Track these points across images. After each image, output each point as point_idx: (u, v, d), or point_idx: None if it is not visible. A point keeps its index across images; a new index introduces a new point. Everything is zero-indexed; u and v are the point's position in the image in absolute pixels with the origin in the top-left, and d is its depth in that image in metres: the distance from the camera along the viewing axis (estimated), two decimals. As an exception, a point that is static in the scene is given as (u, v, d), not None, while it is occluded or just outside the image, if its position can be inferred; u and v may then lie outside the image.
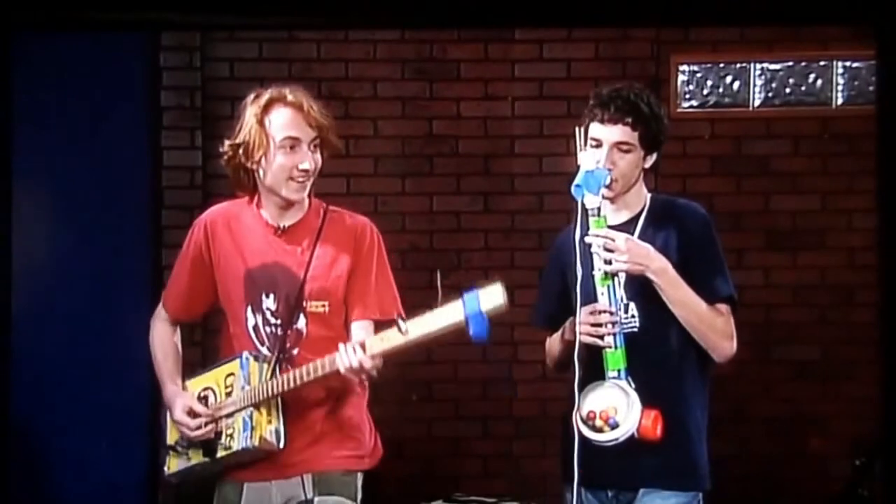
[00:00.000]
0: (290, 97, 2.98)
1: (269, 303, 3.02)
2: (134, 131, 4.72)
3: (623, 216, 3.10)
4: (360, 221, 3.08)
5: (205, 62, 4.81)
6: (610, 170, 3.00)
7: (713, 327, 3.04)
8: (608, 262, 2.97)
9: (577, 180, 2.97)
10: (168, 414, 3.11)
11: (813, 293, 4.90)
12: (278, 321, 3.01)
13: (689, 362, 3.07)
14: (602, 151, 3.02)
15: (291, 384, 2.93)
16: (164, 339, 3.15)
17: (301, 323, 3.00)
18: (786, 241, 4.92)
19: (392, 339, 2.84)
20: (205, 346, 4.13)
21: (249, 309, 3.03)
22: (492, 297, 2.78)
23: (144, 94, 4.74)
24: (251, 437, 2.94)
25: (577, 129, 3.07)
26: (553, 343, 3.20)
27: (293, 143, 2.96)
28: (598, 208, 2.97)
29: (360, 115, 4.85)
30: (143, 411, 4.33)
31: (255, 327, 3.03)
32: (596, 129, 3.04)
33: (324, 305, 3.00)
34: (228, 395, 3.01)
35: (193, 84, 4.79)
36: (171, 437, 3.09)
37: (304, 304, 3.00)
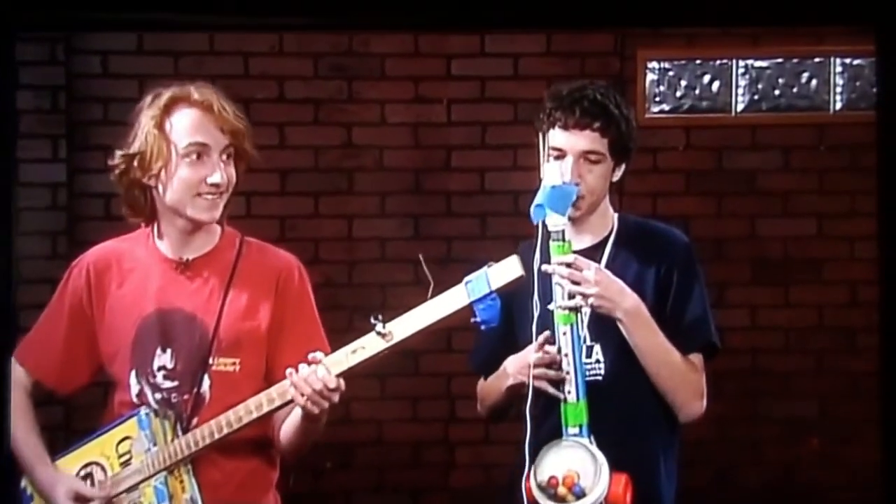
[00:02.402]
0: (196, 95, 2.91)
1: (164, 360, 2.95)
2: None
3: (586, 241, 3.10)
4: (285, 259, 3.02)
5: (71, 56, 4.77)
6: (577, 185, 3.01)
7: (685, 383, 3.05)
8: (572, 297, 2.98)
9: (539, 199, 2.95)
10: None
11: (809, 336, 4.95)
12: (175, 383, 2.94)
13: (660, 417, 3.08)
14: (566, 163, 3.01)
15: (217, 434, 2.87)
16: (24, 409, 3.02)
17: (204, 385, 2.94)
18: (776, 273, 4.97)
19: (370, 347, 2.78)
20: (69, 405, 4.06)
21: (133, 373, 2.96)
22: (505, 272, 2.74)
23: (-5, 94, 4.68)
24: None
25: (538, 136, 3.07)
26: (489, 387, 3.19)
27: (200, 151, 2.89)
28: (563, 231, 2.96)
29: (263, 121, 4.82)
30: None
31: (140, 394, 2.95)
32: (558, 137, 3.03)
33: (234, 363, 2.93)
34: (126, 464, 2.94)
35: (56, 82, 4.74)
36: None
37: (211, 360, 2.93)
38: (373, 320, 2.76)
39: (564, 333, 2.98)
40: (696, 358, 3.08)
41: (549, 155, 3.04)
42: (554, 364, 2.98)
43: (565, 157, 3.02)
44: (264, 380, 2.94)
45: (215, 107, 2.91)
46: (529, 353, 2.99)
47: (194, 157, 2.90)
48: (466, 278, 2.75)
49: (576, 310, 2.98)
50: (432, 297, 2.76)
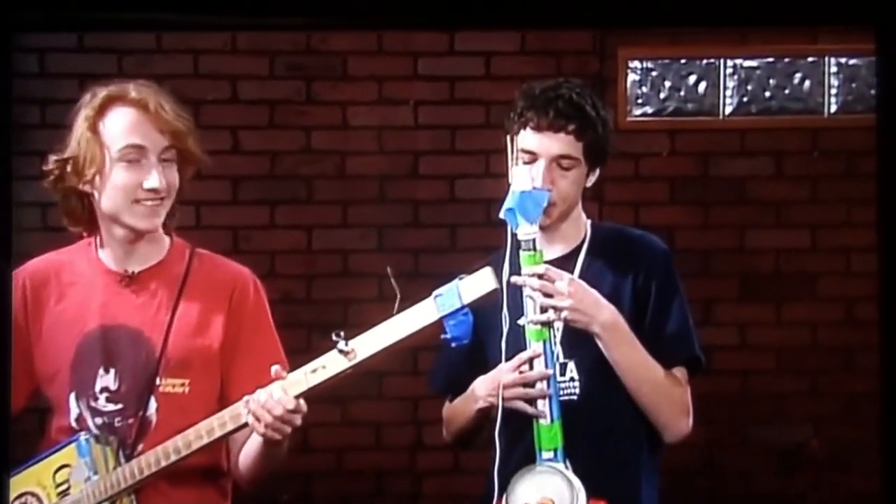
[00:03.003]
0: (133, 94, 2.91)
1: (106, 380, 2.94)
2: None
3: (556, 251, 3.10)
4: (240, 272, 3.03)
5: (6, 53, 4.75)
6: (549, 190, 3.01)
7: (670, 400, 3.06)
8: (544, 310, 2.98)
9: (508, 203, 2.95)
10: None
11: (802, 356, 4.96)
12: (118, 406, 2.93)
13: (641, 439, 3.09)
14: (538, 167, 3.02)
15: (164, 462, 2.86)
16: None
17: (151, 408, 2.93)
18: (767, 288, 4.98)
19: (331, 366, 2.77)
20: None
21: (73, 396, 2.95)
22: (477, 285, 2.74)
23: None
24: None
25: (506, 138, 3.08)
26: (456, 410, 3.18)
27: (136, 155, 2.89)
28: (534, 240, 2.96)
29: (215, 124, 4.81)
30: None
31: (80, 419, 2.95)
32: (529, 139, 3.03)
33: (183, 384, 2.94)
34: (64, 494, 2.93)
35: (-10, 81, 4.72)
36: None
37: (158, 381, 2.93)
38: (334, 337, 2.76)
39: (537, 351, 2.99)
40: (680, 372, 3.08)
41: (518, 158, 3.04)
42: (529, 384, 2.98)
43: (537, 161, 3.02)
44: (218, 402, 2.93)
45: (151, 105, 2.90)
46: (501, 373, 2.99)
47: (130, 160, 2.89)
48: (436, 292, 2.75)
49: (548, 324, 2.99)
50: (399, 311, 2.76)
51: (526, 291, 2.98)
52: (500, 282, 2.94)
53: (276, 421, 2.79)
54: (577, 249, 3.11)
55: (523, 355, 2.98)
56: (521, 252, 2.97)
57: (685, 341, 3.09)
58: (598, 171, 3.11)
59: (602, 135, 3.07)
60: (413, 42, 4.92)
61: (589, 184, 3.11)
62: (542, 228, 3.01)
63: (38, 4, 2.05)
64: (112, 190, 2.91)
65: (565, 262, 3.08)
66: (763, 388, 4.92)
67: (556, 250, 3.10)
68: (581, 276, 3.06)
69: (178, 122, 2.93)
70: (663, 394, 3.05)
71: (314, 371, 2.79)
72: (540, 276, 2.97)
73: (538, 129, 3.03)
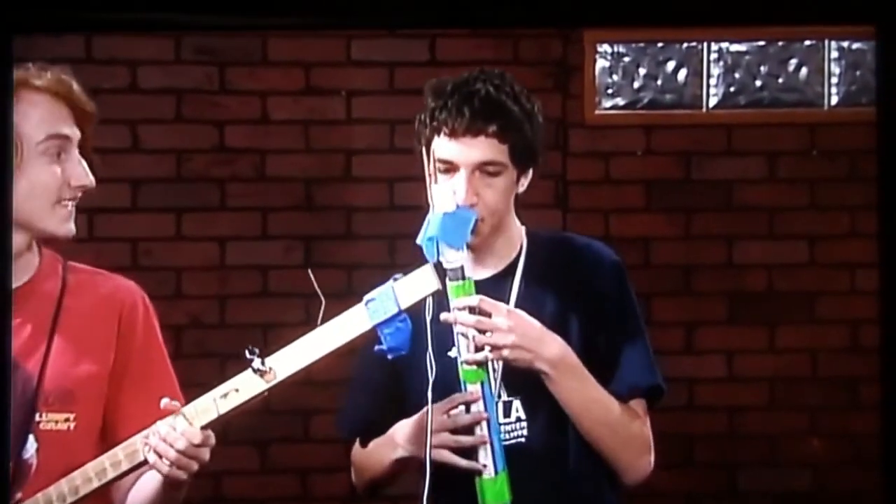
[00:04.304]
0: (39, 80, 2.89)
1: None
2: None
3: (489, 269, 3.07)
4: (125, 288, 2.99)
5: None
6: (474, 206, 2.97)
7: (629, 440, 3.06)
8: (479, 349, 2.95)
9: (430, 230, 2.91)
10: None
11: (800, 388, 5.00)
12: None
13: (604, 481, 3.09)
14: (459, 179, 2.97)
15: None
16: None
17: (30, 448, 2.92)
18: (758, 310, 5.01)
19: (245, 389, 2.75)
20: None
21: None
22: (416, 286, 2.74)
23: None
24: None
25: (419, 145, 3.04)
26: (369, 457, 3.15)
27: (61, 146, 2.87)
28: (462, 268, 2.92)
29: (111, 118, 4.79)
30: None
31: None
32: (445, 147, 2.99)
33: (67, 420, 2.90)
34: None
35: None
36: None
37: (37, 416, 2.91)
38: (248, 354, 2.74)
39: (475, 394, 2.96)
40: (638, 404, 3.07)
41: (435, 170, 3.01)
42: (461, 430, 2.97)
43: (457, 172, 2.98)
44: (101, 439, 2.92)
45: (64, 90, 2.88)
46: (428, 418, 2.96)
47: (55, 154, 2.86)
48: (368, 296, 2.74)
49: (485, 363, 2.98)
50: (325, 320, 2.75)
51: (457, 329, 2.95)
52: (423, 317, 2.90)
53: (181, 457, 2.77)
54: (513, 266, 3.08)
55: (456, 398, 2.95)
56: (448, 282, 2.91)
57: (644, 370, 3.08)
58: (530, 174, 3.07)
59: (530, 132, 3.02)
60: (345, 22, 4.93)
61: (521, 189, 3.06)
62: (471, 249, 2.98)
63: (38, 4, 2.11)
64: (32, 190, 2.87)
65: (499, 283, 3.05)
66: (754, 426, 4.95)
67: (489, 268, 3.07)
68: (519, 300, 3.04)
69: (90, 106, 2.92)
70: (621, 434, 3.05)
71: (225, 396, 2.77)
72: (472, 310, 2.94)
73: (454, 134, 2.98)
